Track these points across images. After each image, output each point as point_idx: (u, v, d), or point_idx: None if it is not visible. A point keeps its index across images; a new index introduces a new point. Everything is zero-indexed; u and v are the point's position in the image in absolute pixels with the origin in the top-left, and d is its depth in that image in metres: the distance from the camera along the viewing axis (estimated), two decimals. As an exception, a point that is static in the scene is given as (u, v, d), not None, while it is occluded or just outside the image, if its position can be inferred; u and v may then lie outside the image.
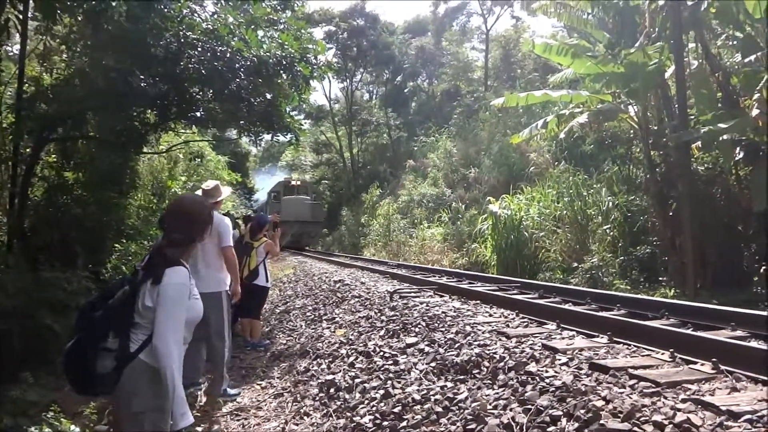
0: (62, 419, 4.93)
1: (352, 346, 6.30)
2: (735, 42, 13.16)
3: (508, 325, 5.52)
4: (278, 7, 15.06)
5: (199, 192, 6.54)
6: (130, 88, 9.80)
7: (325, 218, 39.83)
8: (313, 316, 8.92)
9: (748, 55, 11.67)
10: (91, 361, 2.85)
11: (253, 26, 11.13)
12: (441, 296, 7.75)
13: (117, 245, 11.74)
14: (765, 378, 3.44)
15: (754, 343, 4.59)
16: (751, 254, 11.63)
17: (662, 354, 4.14)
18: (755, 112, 9.72)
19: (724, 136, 10.97)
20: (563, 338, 4.85)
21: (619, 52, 12.94)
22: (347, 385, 5.16)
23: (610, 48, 13.45)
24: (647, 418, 2.94)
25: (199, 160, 18.54)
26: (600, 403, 3.20)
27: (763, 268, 11.05)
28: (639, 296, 7.51)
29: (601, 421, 3.02)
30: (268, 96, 11.64)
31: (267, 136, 12.83)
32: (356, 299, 8.53)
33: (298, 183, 37.52)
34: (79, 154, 12.62)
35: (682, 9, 11.93)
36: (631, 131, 15.84)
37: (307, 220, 33.69)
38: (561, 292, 7.79)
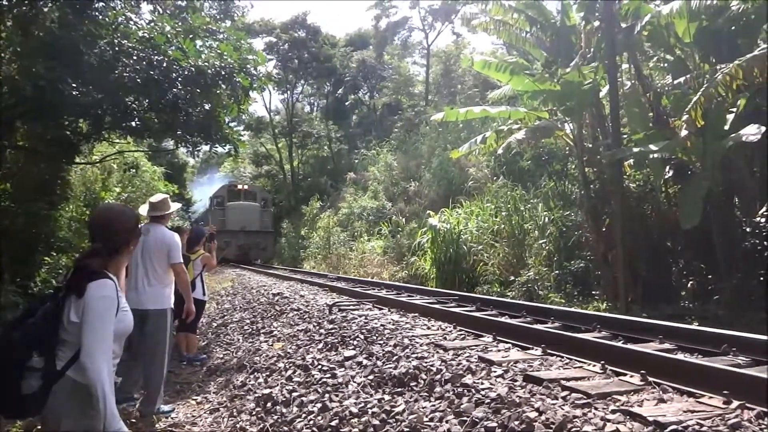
0: (-15, 439, 4.67)
1: (290, 360, 6.22)
2: (666, 64, 13.77)
3: (445, 338, 5.55)
4: (218, 17, 14.90)
5: (144, 205, 6.33)
6: (62, 96, 9.45)
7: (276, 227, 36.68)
8: (250, 330, 8.77)
9: (678, 77, 12.21)
10: (14, 381, 2.69)
11: (191, 35, 10.95)
12: (380, 309, 7.75)
13: (47, 258, 11.29)
14: (690, 389, 3.55)
15: (680, 356, 4.75)
16: (679, 269, 12.09)
17: (594, 366, 4.24)
18: (684, 132, 10.14)
19: (655, 155, 11.41)
20: (499, 350, 4.91)
21: (555, 70, 13.31)
22: (284, 399, 5.08)
23: (547, 66, 13.84)
24: (578, 428, 3.00)
25: (135, 170, 18.06)
26: (533, 415, 3.24)
27: (690, 283, 11.50)
28: (572, 309, 7.70)
29: (535, 433, 3.06)
30: (207, 106, 11.44)
31: (205, 147, 12.60)
32: (295, 312, 8.44)
33: (245, 187, 33.65)
34: (8, 163, 12.10)
35: (617, 31, 12.38)
36: (567, 148, 16.28)
37: (256, 230, 30.76)
38: (498, 305, 7.89)
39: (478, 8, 15.45)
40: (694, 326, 7.36)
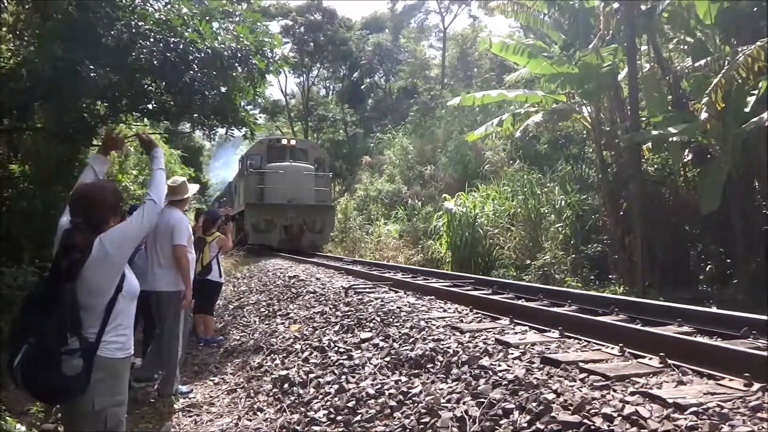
0: (8, 418, 4.75)
1: (306, 342, 6.25)
2: (686, 47, 13.57)
3: (461, 321, 5.54)
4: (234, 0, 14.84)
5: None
6: (79, 78, 9.48)
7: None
8: (267, 312, 8.83)
9: (698, 59, 12.02)
10: (57, 368, 2.77)
11: (207, 18, 10.91)
12: (396, 292, 7.74)
13: (64, 240, 11.38)
14: (710, 372, 3.53)
15: (700, 339, 4.72)
16: (697, 254, 11.99)
17: (612, 348, 4.21)
18: (704, 115, 10.01)
19: (674, 138, 11.29)
20: (516, 333, 4.89)
21: (574, 53, 13.18)
22: (301, 380, 5.11)
23: (565, 49, 13.70)
24: (597, 410, 2.98)
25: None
26: (551, 396, 3.23)
27: (708, 267, 11.41)
28: (590, 293, 7.64)
29: (552, 414, 3.04)
30: (223, 89, 11.43)
31: (221, 130, 12.59)
32: (311, 295, 8.47)
33: (293, 142, 23.13)
34: (26, 146, 12.20)
35: (636, 13, 12.22)
36: (585, 132, 16.15)
37: (310, 204, 20.21)
38: (514, 288, 7.87)
39: (496, -10, 15.17)
40: (714, 309, 7.33)
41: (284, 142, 22.92)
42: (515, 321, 5.36)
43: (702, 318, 5.25)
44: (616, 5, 13.02)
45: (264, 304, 9.52)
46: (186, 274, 6.05)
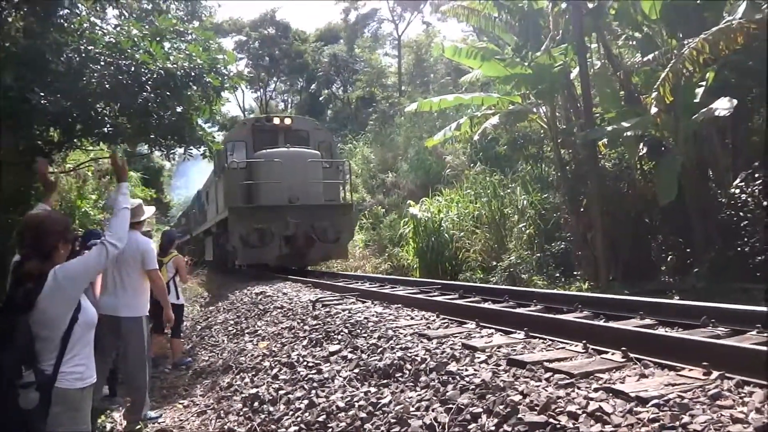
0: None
1: (275, 358, 6.20)
2: (634, 42, 13.88)
3: (429, 327, 5.55)
4: (185, 18, 14.76)
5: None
6: (30, 105, 9.33)
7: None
8: (235, 330, 8.74)
9: (647, 54, 12.32)
10: (13, 401, 2.75)
11: (158, 38, 10.82)
12: (363, 302, 7.72)
13: (21, 270, 11.12)
14: (671, 363, 3.60)
15: (660, 330, 4.81)
16: (657, 245, 12.22)
17: (576, 346, 4.27)
18: (654, 110, 10.23)
19: (628, 133, 11.51)
20: (482, 336, 4.92)
21: (526, 54, 13.37)
22: (271, 398, 5.07)
23: (517, 51, 13.89)
24: (562, 408, 3.02)
25: (110, 177, 17.79)
26: (517, 398, 3.26)
27: (669, 258, 11.64)
28: (554, 291, 7.74)
29: (519, 415, 3.07)
30: (178, 109, 11.33)
31: (179, 150, 12.47)
32: (278, 310, 8.40)
33: (288, 122, 16.80)
34: (-20, 176, 11.92)
35: (584, 12, 12.44)
36: (542, 131, 16.39)
37: (317, 204, 14.92)
38: (480, 291, 7.92)
39: (446, -5, 15.37)
40: (674, 300, 7.49)
41: (276, 121, 16.37)
42: (481, 324, 5.40)
43: (663, 310, 5.37)
44: (563, 5, 13.27)
45: (232, 322, 9.43)
46: (164, 295, 6.08)
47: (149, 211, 6.38)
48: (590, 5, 12.74)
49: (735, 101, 9.61)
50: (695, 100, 10.90)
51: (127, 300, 5.72)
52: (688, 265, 11.13)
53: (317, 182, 15.00)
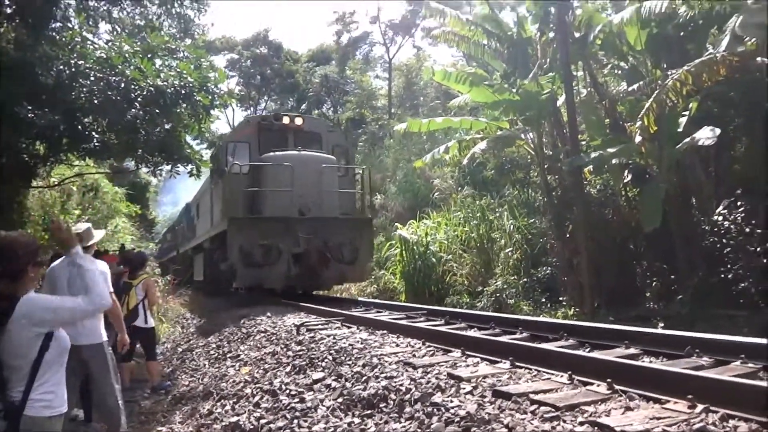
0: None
1: (257, 385, 6.11)
2: (620, 71, 14.09)
3: (414, 355, 5.52)
4: (178, 36, 14.78)
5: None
6: (17, 118, 9.28)
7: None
8: (217, 354, 8.62)
9: (632, 83, 12.50)
10: None
11: (149, 55, 10.83)
12: (348, 327, 7.67)
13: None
14: (656, 395, 3.59)
15: (645, 361, 4.82)
16: (642, 271, 12.29)
17: (561, 377, 4.25)
18: (638, 138, 10.34)
19: (614, 161, 11.63)
20: (468, 366, 4.90)
21: (514, 81, 13.51)
22: (252, 427, 4.98)
23: (506, 78, 14.05)
24: (547, 443, 3.00)
25: (95, 192, 17.71)
26: (503, 431, 3.24)
27: (654, 284, 11.71)
28: (540, 319, 7.74)
29: (504, 450, 3.05)
30: (167, 126, 11.32)
31: (167, 167, 12.44)
32: (262, 334, 8.31)
33: (299, 122, 14.38)
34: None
35: (571, 41, 12.61)
36: (529, 157, 16.50)
37: (332, 216, 12.95)
38: (467, 318, 7.90)
39: (437, 22, 15.54)
40: (659, 329, 7.51)
41: (285, 120, 14.05)
42: (467, 353, 5.37)
43: (647, 339, 5.37)
44: (551, 35, 13.44)
45: (214, 345, 9.30)
46: (119, 318, 5.91)
47: (98, 234, 6.31)
48: (577, 35, 12.92)
49: (718, 130, 9.75)
50: (679, 130, 11.05)
51: (85, 327, 5.56)
52: (672, 292, 11.20)
53: (333, 191, 12.86)
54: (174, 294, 17.67)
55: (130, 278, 8.19)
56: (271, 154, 12.80)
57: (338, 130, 17.30)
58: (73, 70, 9.99)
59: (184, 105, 10.96)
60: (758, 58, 9.84)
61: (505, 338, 6.06)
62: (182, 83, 10.61)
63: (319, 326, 7.90)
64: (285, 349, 6.94)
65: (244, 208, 12.68)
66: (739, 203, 10.51)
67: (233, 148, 13.58)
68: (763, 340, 4.61)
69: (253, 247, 11.76)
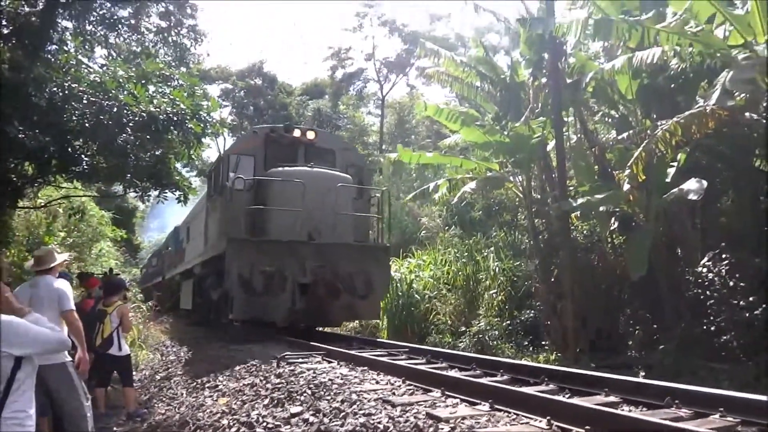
0: None
1: (234, 416, 6.01)
2: (610, 119, 14.30)
3: (394, 393, 5.46)
4: (173, 64, 14.92)
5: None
6: (7, 138, 9.26)
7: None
8: (195, 384, 8.48)
9: (621, 132, 12.67)
10: None
11: (143, 81, 10.91)
12: (329, 362, 7.60)
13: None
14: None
15: (625, 410, 4.80)
16: (626, 319, 12.29)
17: (540, 422, 4.22)
18: (627, 186, 10.45)
19: (601, 207, 11.73)
20: (447, 406, 4.85)
21: (506, 124, 13.67)
22: (226, 460, 4.90)
23: (497, 120, 14.21)
24: (523, 490, 2.96)
25: (81, 215, 17.61)
26: (479, 476, 3.20)
27: (637, 332, 11.70)
28: (521, 362, 7.70)
29: (479, 495, 3.00)
30: (157, 152, 11.35)
31: (155, 193, 12.43)
32: (241, 365, 8.21)
33: (312, 136, 12.85)
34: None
35: (563, 88, 12.81)
36: (517, 199, 16.60)
37: (344, 242, 11.67)
38: (448, 357, 7.84)
39: (431, 61, 15.78)
40: (640, 378, 7.49)
41: (296, 133, 12.66)
42: (447, 393, 5.32)
43: (628, 388, 5.35)
44: (544, 80, 13.67)
45: (192, 374, 9.17)
46: (80, 336, 5.71)
47: (61, 257, 6.29)
48: (569, 81, 13.14)
49: (705, 183, 9.87)
50: (667, 180, 11.18)
51: None
52: (655, 341, 11.18)
53: (347, 215, 11.67)
54: (155, 321, 17.47)
55: (105, 305, 8.04)
56: (280, 169, 11.50)
57: (354, 148, 15.10)
58: (67, 92, 10.06)
59: (176, 132, 11.01)
60: (747, 113, 10.02)
61: (485, 380, 6.01)
62: (175, 110, 10.67)
63: (300, 359, 7.82)
64: (264, 381, 6.85)
65: (246, 228, 11.27)
66: (723, 256, 10.58)
67: (236, 161, 11.95)
68: (743, 395, 4.61)
69: (255, 273, 10.47)
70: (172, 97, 10.78)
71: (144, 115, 10.21)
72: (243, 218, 11.20)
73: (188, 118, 10.77)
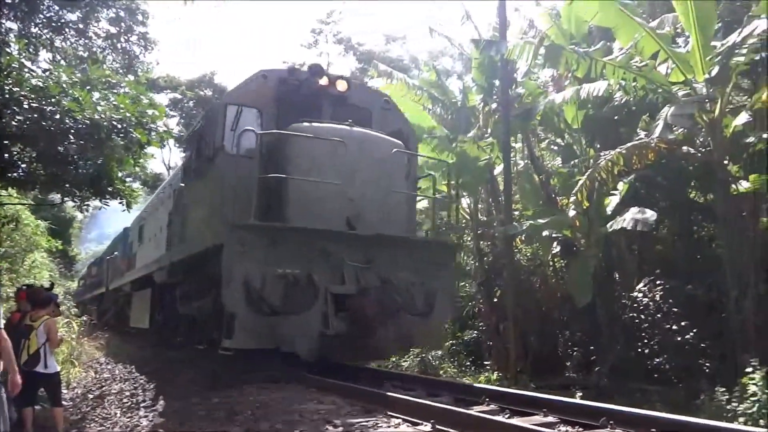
0: None
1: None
2: (556, 147, 14.67)
3: (337, 413, 5.43)
4: (121, 71, 14.62)
5: None
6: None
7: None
8: (130, 403, 8.22)
9: (566, 160, 13.01)
10: None
11: (88, 87, 10.63)
12: (276, 383, 7.45)
13: None
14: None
15: (562, 430, 4.89)
16: (565, 341, 12.54)
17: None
18: (572, 213, 10.71)
19: (544, 232, 11.98)
20: (389, 426, 4.85)
21: (454, 138, 13.80)
22: (160, 480, 4.75)
23: (447, 141, 14.36)
24: None
25: (15, 224, 16.86)
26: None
27: (575, 353, 11.96)
28: (463, 383, 7.74)
29: None
30: (99, 160, 11.04)
31: (95, 202, 12.07)
32: (180, 386, 8.02)
33: (343, 88, 9.14)
34: None
35: (512, 114, 13.07)
36: (464, 221, 16.78)
37: (401, 236, 8.44)
38: (390, 378, 7.84)
39: (384, 82, 15.86)
40: (577, 399, 7.65)
41: (323, 81, 9.07)
42: (389, 414, 5.32)
43: (565, 408, 5.47)
44: (494, 105, 13.94)
45: (128, 393, 8.87)
46: (9, 355, 5.34)
47: None
48: (518, 107, 13.43)
49: (653, 213, 10.20)
50: (608, 208, 11.50)
51: None
52: (592, 362, 11.43)
53: (402, 197, 8.71)
54: (90, 337, 16.87)
55: (32, 319, 7.64)
56: (306, 124, 8.16)
57: (398, 109, 10.53)
58: (6, 96, 9.70)
59: (120, 140, 10.74)
60: (684, 147, 10.43)
61: (427, 401, 6.03)
62: (120, 117, 10.42)
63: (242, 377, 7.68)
64: (204, 400, 6.70)
65: (256, 209, 7.67)
66: (658, 282, 10.95)
67: (235, 115, 8.58)
68: (674, 416, 4.77)
69: (268, 278, 7.12)
70: (116, 103, 10.52)
71: (87, 122, 9.93)
72: (247, 194, 7.67)
73: (133, 126, 10.52)
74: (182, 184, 10.90)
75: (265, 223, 7.46)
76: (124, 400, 8.57)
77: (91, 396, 9.93)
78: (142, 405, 7.66)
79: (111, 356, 13.86)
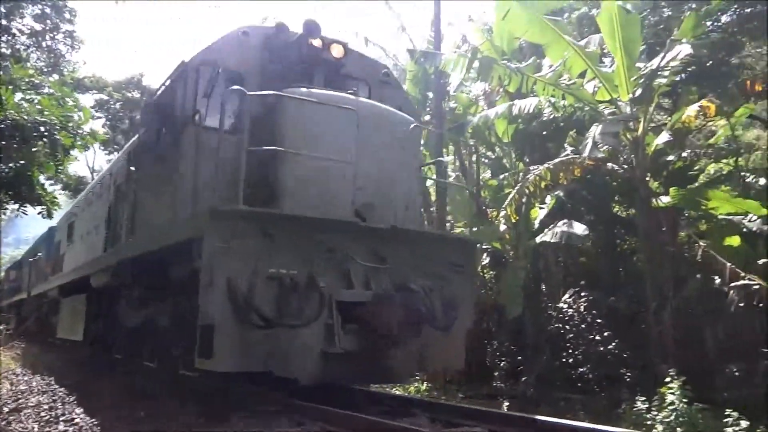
0: None
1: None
2: (487, 160, 14.98)
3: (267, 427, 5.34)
4: (46, 70, 14.08)
5: None
6: None
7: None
8: (48, 417, 7.84)
9: (496, 173, 13.29)
10: None
11: (11, 86, 10.19)
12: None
13: None
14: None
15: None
16: (493, 350, 12.76)
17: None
18: (502, 227, 10.95)
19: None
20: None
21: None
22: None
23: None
24: None
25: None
26: None
27: (503, 363, 12.19)
28: (393, 393, 7.76)
29: None
30: (20, 163, 10.58)
31: (13, 206, 11.55)
32: (106, 398, 7.71)
33: (338, 52, 7.30)
34: None
35: (446, 128, 13.26)
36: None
37: (418, 230, 7.50)
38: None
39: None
40: (506, 411, 7.80)
41: (316, 43, 7.14)
42: (327, 428, 5.27)
43: (495, 419, 5.57)
44: (427, 117, 14.12)
45: (46, 407, 8.45)
46: None
47: None
48: (449, 119, 13.66)
49: (584, 227, 10.53)
50: (536, 220, 11.82)
51: None
52: (519, 372, 11.69)
53: (416, 182, 7.47)
54: (5, 346, 16.03)
55: None
56: (305, 89, 6.60)
57: (398, 83, 8.89)
58: None
59: (43, 142, 10.33)
60: (609, 164, 10.84)
61: (357, 413, 6.01)
62: (43, 119, 10.03)
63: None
64: (130, 411, 6.48)
65: (255, 189, 6.12)
66: (582, 293, 11.32)
67: (210, 79, 6.87)
68: (601, 426, 4.94)
69: (259, 281, 5.51)
70: (39, 106, 10.13)
71: (9, 122, 9.52)
72: (233, 173, 5.82)
73: (57, 129, 10.14)
74: (132, 169, 8.88)
75: (256, 209, 5.75)
76: (42, 414, 8.17)
77: (6, 410, 9.42)
78: (61, 419, 7.32)
79: (28, 367, 13.19)
